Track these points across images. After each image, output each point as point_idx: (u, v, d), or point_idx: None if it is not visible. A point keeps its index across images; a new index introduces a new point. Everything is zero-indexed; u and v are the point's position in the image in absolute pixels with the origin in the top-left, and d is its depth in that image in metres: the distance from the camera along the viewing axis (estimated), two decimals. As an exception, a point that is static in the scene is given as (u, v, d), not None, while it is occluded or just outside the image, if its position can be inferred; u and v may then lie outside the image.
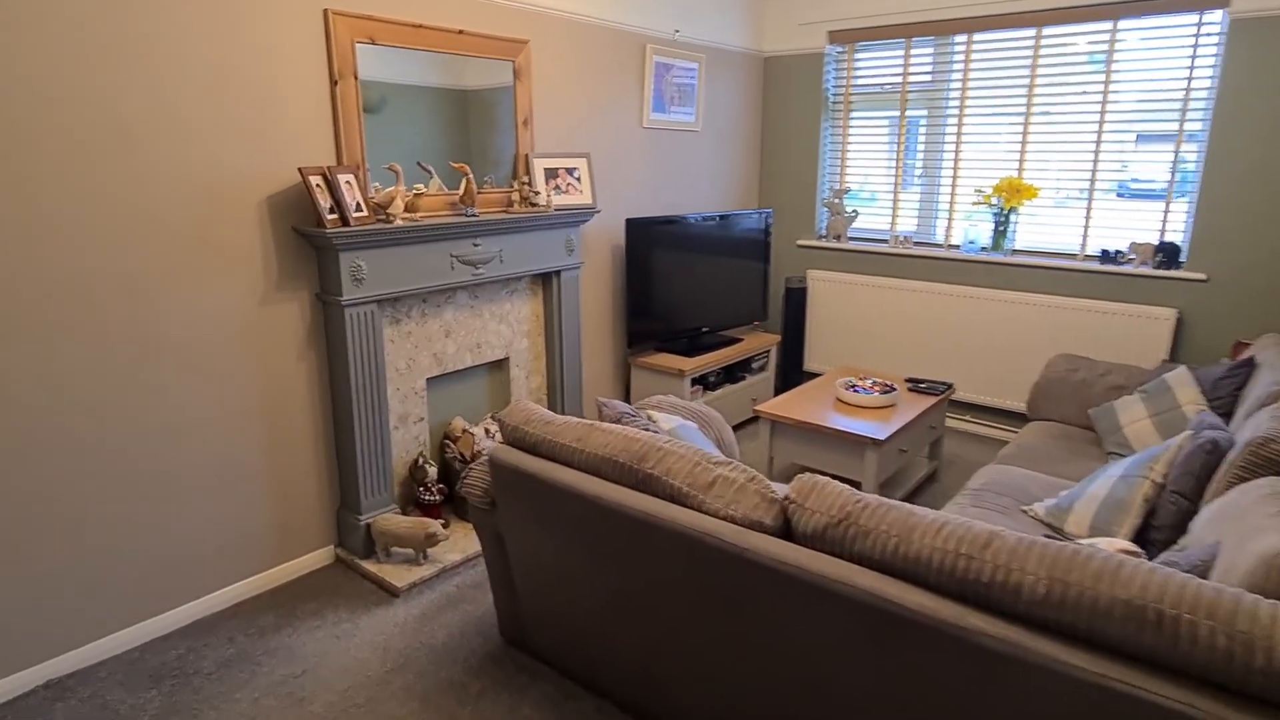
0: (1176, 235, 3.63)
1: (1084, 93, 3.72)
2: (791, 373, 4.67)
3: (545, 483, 1.92)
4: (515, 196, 3.14)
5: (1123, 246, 3.75)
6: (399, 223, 2.63)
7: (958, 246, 4.23)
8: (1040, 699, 1.26)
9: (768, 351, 4.42)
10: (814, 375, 4.73)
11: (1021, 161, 3.93)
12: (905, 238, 4.35)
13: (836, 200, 4.53)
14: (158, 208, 2.21)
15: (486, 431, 3.17)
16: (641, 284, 3.78)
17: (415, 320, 2.91)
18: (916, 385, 3.52)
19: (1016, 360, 3.99)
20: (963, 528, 1.40)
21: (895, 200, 4.40)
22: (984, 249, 4.11)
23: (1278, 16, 3.18)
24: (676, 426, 2.25)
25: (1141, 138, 3.75)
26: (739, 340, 4.30)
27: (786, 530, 1.62)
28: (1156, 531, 2.07)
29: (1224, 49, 3.32)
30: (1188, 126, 3.49)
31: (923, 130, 4.26)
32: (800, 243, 4.72)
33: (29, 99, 1.94)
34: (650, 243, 3.78)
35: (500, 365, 3.35)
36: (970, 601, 1.35)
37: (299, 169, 2.44)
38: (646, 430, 2.04)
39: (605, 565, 1.88)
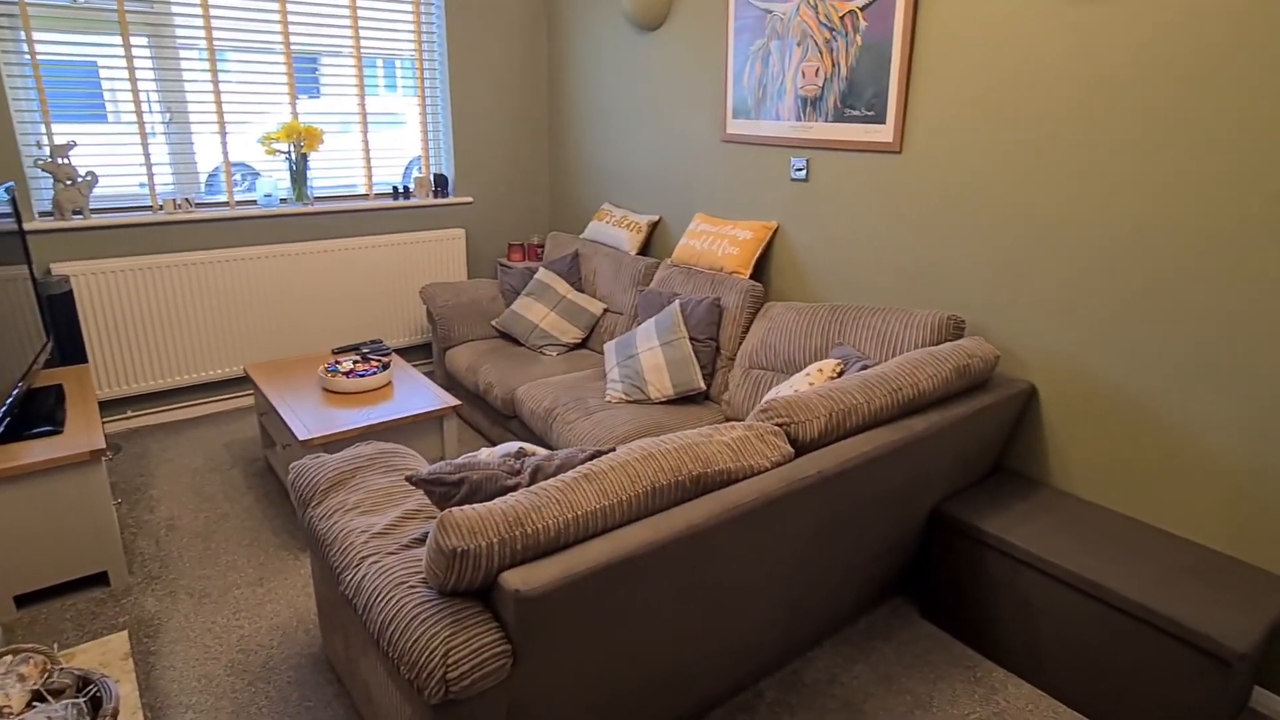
0: (441, 168, 4.30)
1: (340, 37, 3.79)
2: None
3: (626, 562, 1.44)
4: None
5: (409, 183, 4.18)
6: None
7: (254, 202, 3.75)
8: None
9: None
10: (112, 405, 3.49)
11: (293, 102, 3.74)
12: (183, 200, 3.54)
13: (62, 161, 3.22)
14: None
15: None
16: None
17: None
18: (362, 353, 3.28)
19: (357, 305, 4.03)
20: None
21: (146, 154, 3.46)
22: (284, 200, 3.81)
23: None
24: (515, 448, 1.80)
25: (390, 85, 4.14)
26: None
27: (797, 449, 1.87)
28: (704, 368, 3.02)
29: (444, 13, 4.00)
30: (429, 75, 4.10)
31: (151, 62, 3.42)
32: (30, 226, 3.18)
33: None
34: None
35: None
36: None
37: None
38: (538, 461, 1.69)
39: (690, 601, 1.62)
